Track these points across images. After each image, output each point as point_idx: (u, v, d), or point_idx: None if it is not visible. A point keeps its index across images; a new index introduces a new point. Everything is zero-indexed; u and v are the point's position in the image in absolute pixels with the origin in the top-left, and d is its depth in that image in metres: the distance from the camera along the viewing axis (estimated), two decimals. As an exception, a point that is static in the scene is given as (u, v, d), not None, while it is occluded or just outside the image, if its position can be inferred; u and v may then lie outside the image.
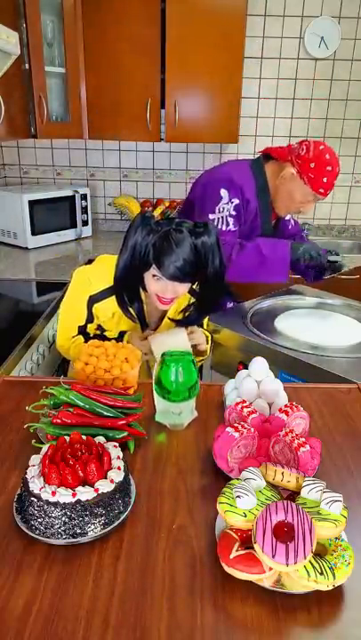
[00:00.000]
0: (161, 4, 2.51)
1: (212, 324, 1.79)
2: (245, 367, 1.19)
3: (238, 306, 1.95)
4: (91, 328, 1.46)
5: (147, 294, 1.38)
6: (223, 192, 1.84)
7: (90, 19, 2.55)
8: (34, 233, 2.57)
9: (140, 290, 1.37)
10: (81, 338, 1.45)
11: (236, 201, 1.84)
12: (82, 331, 1.46)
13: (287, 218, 2.11)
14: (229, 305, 2.08)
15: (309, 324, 1.80)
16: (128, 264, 1.29)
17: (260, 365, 1.14)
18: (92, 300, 1.41)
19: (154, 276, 1.29)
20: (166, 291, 1.30)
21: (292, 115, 3.09)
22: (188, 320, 1.44)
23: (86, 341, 1.39)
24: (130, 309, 1.39)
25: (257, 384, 1.11)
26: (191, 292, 1.40)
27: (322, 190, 1.78)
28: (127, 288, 1.36)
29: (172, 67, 2.61)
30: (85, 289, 1.42)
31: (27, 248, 2.58)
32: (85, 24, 2.56)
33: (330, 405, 1.21)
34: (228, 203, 1.85)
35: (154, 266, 1.26)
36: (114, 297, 1.39)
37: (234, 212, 1.85)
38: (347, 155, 3.18)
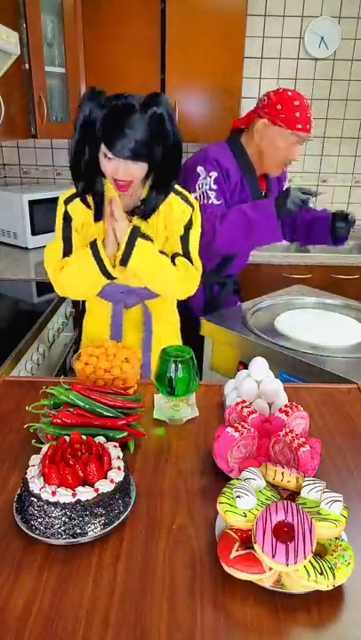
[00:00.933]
0: (161, 4, 2.51)
1: (213, 324, 1.80)
2: (245, 367, 1.19)
3: (238, 306, 1.95)
4: (75, 229, 1.40)
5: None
6: (200, 169, 1.83)
7: (90, 19, 2.55)
8: (34, 233, 2.57)
9: (101, 179, 1.32)
10: (82, 255, 1.37)
11: (214, 174, 1.81)
12: (66, 235, 1.40)
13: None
14: (239, 304, 2.05)
15: (309, 323, 1.80)
16: (79, 145, 1.24)
17: (260, 365, 1.14)
18: (66, 202, 1.38)
19: (105, 155, 1.22)
20: (118, 171, 1.23)
21: (292, 115, 3.08)
22: (147, 206, 1.35)
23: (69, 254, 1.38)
24: (88, 198, 1.34)
25: (257, 384, 1.11)
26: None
27: (300, 126, 1.72)
28: (82, 173, 1.29)
29: (172, 67, 2.61)
30: (61, 198, 1.40)
31: (27, 248, 2.58)
32: (85, 24, 2.56)
33: (330, 405, 1.21)
34: (205, 177, 1.83)
35: (104, 145, 1.21)
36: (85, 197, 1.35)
37: (214, 186, 1.81)
38: (347, 155, 3.18)
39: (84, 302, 1.65)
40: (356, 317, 1.86)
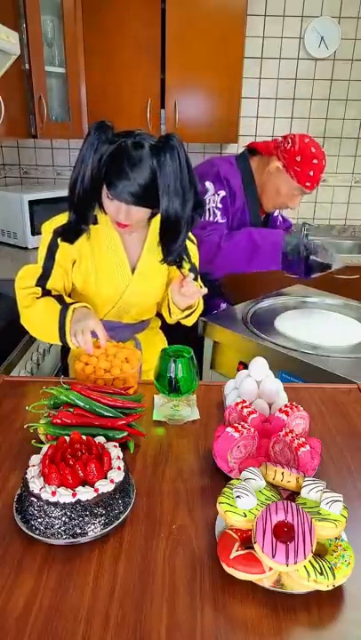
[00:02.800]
0: (161, 4, 2.51)
1: (213, 324, 1.79)
2: (245, 367, 1.19)
3: (238, 306, 1.94)
4: (58, 262, 1.30)
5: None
6: (208, 184, 1.83)
7: (90, 19, 2.55)
8: (34, 233, 2.57)
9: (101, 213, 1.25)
10: (38, 291, 1.29)
11: (223, 193, 1.82)
12: (48, 265, 1.30)
13: (275, 214, 2.09)
14: (223, 306, 2.06)
15: (309, 324, 1.80)
16: (80, 178, 1.14)
17: (260, 365, 1.14)
18: (56, 233, 1.28)
19: (108, 195, 1.15)
20: (119, 213, 1.16)
21: (292, 115, 3.09)
22: (169, 255, 1.28)
23: (44, 284, 1.29)
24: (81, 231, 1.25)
25: (257, 384, 1.11)
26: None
27: (308, 184, 1.76)
28: (79, 207, 1.20)
29: (172, 67, 2.61)
30: (51, 225, 1.30)
31: (27, 248, 2.58)
32: (85, 24, 2.56)
33: (330, 405, 1.21)
34: (214, 194, 1.83)
35: (105, 186, 1.13)
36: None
37: (220, 205, 1.83)
38: (347, 155, 3.18)
39: None
40: (357, 317, 1.86)
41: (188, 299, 1.26)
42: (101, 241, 1.30)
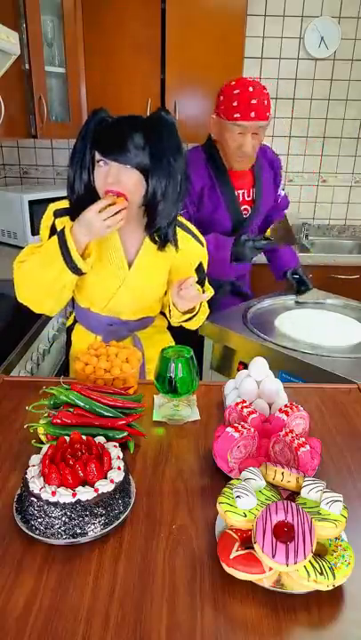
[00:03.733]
0: (161, 4, 2.51)
1: (213, 324, 1.79)
2: (245, 367, 1.19)
3: (238, 306, 1.94)
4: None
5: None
6: None
7: (90, 19, 2.55)
8: (34, 233, 2.57)
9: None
10: (48, 244, 1.23)
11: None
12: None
13: (280, 193, 1.99)
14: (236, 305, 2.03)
15: (309, 323, 1.80)
16: (77, 161, 1.16)
17: (260, 365, 1.14)
18: (56, 214, 1.26)
19: (98, 162, 1.14)
20: (108, 176, 1.12)
21: (292, 115, 3.09)
22: (157, 234, 1.25)
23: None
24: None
25: (257, 384, 1.11)
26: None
27: (237, 115, 1.63)
28: (77, 191, 1.19)
29: (172, 67, 2.61)
30: (52, 208, 1.29)
31: (27, 248, 2.58)
32: (85, 24, 2.56)
33: (330, 405, 1.21)
34: None
35: (97, 152, 1.13)
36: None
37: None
38: (347, 155, 3.18)
39: (68, 334, 1.54)
40: (357, 317, 1.86)
41: (187, 302, 1.25)
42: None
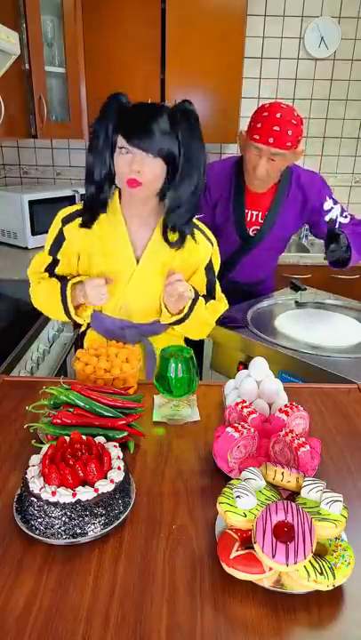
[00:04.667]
0: (161, 4, 2.51)
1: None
2: (245, 367, 1.19)
3: (238, 306, 1.94)
4: (64, 254, 1.31)
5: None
6: None
7: (90, 19, 2.55)
8: (34, 233, 2.57)
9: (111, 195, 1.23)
10: (46, 275, 1.33)
11: None
12: (53, 254, 1.32)
13: (328, 217, 1.80)
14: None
15: (309, 323, 1.80)
16: (99, 147, 1.13)
17: (260, 365, 1.14)
18: (64, 221, 1.27)
19: (120, 148, 1.11)
20: (133, 163, 1.10)
21: (292, 115, 3.08)
22: (170, 224, 1.23)
23: (51, 271, 1.32)
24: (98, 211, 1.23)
25: (257, 384, 1.11)
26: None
27: (256, 136, 1.61)
28: (95, 182, 1.18)
29: (172, 67, 2.61)
30: (60, 215, 1.30)
31: (27, 248, 2.58)
32: (85, 24, 2.56)
33: (330, 405, 1.21)
34: None
35: (120, 136, 1.10)
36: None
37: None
38: (347, 155, 3.18)
39: (79, 336, 1.58)
40: (357, 317, 1.86)
41: (173, 300, 1.26)
42: (107, 229, 1.27)
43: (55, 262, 1.33)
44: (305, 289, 2.09)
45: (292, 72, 3.00)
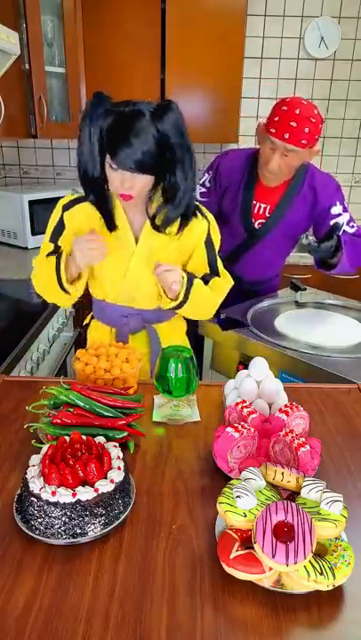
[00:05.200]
0: (161, 4, 2.51)
1: (213, 324, 1.79)
2: (245, 367, 1.19)
3: (238, 306, 1.94)
4: (64, 241, 1.32)
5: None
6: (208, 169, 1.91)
7: (90, 19, 2.55)
8: (34, 233, 2.57)
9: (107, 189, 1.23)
10: (51, 260, 1.30)
11: (208, 176, 1.86)
12: (54, 241, 1.33)
13: (333, 221, 1.76)
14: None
15: (309, 323, 1.80)
16: (84, 152, 1.16)
17: (260, 365, 1.14)
18: (64, 208, 1.30)
19: (110, 165, 1.14)
20: (124, 182, 1.14)
21: (292, 115, 3.08)
22: (158, 219, 1.25)
23: (56, 253, 1.30)
24: (102, 207, 1.25)
25: (257, 384, 1.11)
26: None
27: (273, 130, 1.60)
28: (90, 183, 1.22)
29: (172, 67, 2.61)
30: (61, 202, 1.33)
31: (27, 248, 2.58)
32: (85, 24, 2.56)
33: (330, 405, 1.21)
34: (204, 175, 1.90)
35: (108, 156, 1.12)
36: (85, 203, 1.27)
37: (208, 184, 1.87)
38: (347, 155, 3.18)
39: (83, 329, 1.57)
40: (357, 317, 1.86)
41: (159, 277, 1.27)
42: (114, 217, 1.29)
43: (56, 249, 1.32)
44: (305, 289, 2.09)
45: (292, 72, 3.00)
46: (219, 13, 2.55)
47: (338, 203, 1.82)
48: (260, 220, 1.86)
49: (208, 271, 1.37)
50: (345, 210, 1.81)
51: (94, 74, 2.64)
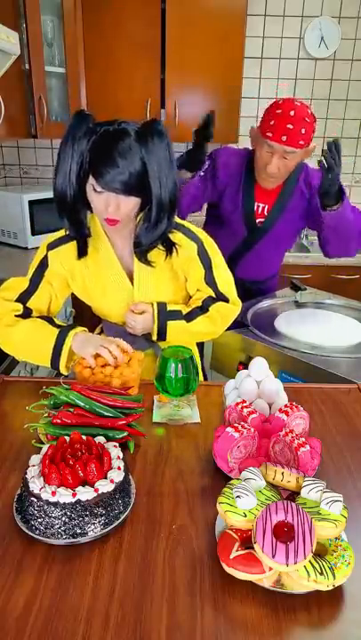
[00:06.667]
0: (161, 4, 2.51)
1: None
2: (245, 367, 1.19)
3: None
4: (47, 279, 1.26)
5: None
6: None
7: (90, 19, 2.55)
8: (34, 233, 2.57)
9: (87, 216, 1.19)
10: (19, 308, 1.24)
11: (207, 165, 1.82)
12: (35, 280, 1.27)
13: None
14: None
15: (309, 323, 1.80)
16: (63, 175, 1.08)
17: (260, 365, 1.13)
18: (50, 246, 1.25)
19: (94, 189, 1.08)
20: (109, 205, 1.09)
21: (292, 115, 3.09)
22: (138, 242, 1.19)
23: (25, 299, 1.24)
24: (79, 231, 1.19)
25: (257, 384, 1.11)
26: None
27: (269, 133, 1.61)
28: (67, 208, 1.14)
29: (172, 67, 2.61)
30: (46, 242, 1.27)
31: (27, 248, 2.58)
32: (85, 24, 2.56)
33: (330, 405, 1.21)
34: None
35: (91, 177, 1.07)
36: (71, 244, 1.22)
37: (203, 173, 1.81)
38: (347, 155, 3.18)
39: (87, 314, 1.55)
40: (357, 317, 1.86)
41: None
42: (93, 255, 1.25)
43: (32, 290, 1.27)
44: (305, 289, 2.09)
45: (292, 72, 3.00)
46: (219, 13, 2.55)
47: None
48: (259, 220, 1.88)
49: (210, 291, 1.32)
50: None
51: (94, 74, 2.64)
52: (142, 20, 2.55)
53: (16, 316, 1.24)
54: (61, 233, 1.25)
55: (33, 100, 2.39)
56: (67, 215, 1.17)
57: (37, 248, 1.31)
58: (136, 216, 1.20)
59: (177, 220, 1.24)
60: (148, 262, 1.23)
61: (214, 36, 2.57)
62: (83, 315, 1.71)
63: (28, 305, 1.26)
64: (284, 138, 1.60)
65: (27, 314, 1.26)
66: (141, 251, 1.21)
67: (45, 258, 1.26)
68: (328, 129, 3.12)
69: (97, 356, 1.19)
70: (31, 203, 2.54)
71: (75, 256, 1.24)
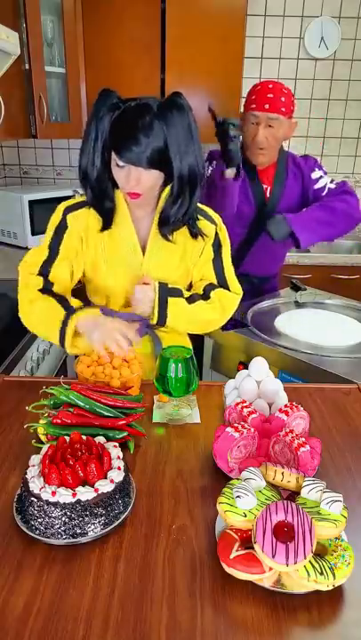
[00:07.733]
0: (161, 4, 2.50)
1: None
2: (245, 367, 1.19)
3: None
4: (65, 246, 1.26)
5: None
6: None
7: (90, 19, 2.55)
8: (34, 233, 2.57)
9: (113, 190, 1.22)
10: (40, 282, 1.25)
11: (212, 167, 1.89)
12: (54, 245, 1.27)
13: (318, 185, 1.94)
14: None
15: (309, 323, 1.80)
16: (87, 149, 1.13)
17: (260, 365, 1.14)
18: (67, 210, 1.26)
19: (117, 164, 1.12)
20: (130, 179, 1.12)
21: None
22: (165, 220, 1.22)
23: (46, 271, 1.25)
24: (104, 206, 1.22)
25: (257, 384, 1.11)
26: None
27: (253, 105, 1.78)
28: (93, 182, 1.18)
29: (172, 67, 2.61)
30: (62, 205, 1.28)
31: (27, 248, 2.58)
32: (85, 24, 2.55)
33: (330, 405, 1.21)
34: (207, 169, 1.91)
35: (114, 153, 1.10)
36: (90, 210, 1.24)
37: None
38: (347, 155, 3.18)
39: None
40: (357, 317, 1.86)
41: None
42: (113, 217, 1.25)
43: (53, 257, 1.26)
44: (305, 289, 2.09)
45: (292, 72, 3.00)
46: (219, 13, 2.54)
47: (316, 169, 1.98)
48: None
49: (214, 277, 1.33)
50: (325, 173, 1.99)
51: (94, 74, 2.64)
52: (142, 19, 2.54)
53: (38, 290, 1.24)
54: (78, 199, 1.27)
55: (33, 100, 2.39)
56: (92, 190, 1.20)
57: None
58: (161, 193, 1.22)
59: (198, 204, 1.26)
60: (167, 237, 1.25)
61: (214, 36, 2.57)
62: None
63: (49, 277, 1.27)
64: (266, 106, 1.76)
65: (47, 288, 1.25)
66: (167, 228, 1.23)
67: (64, 220, 1.26)
68: (328, 129, 3.12)
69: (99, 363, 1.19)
70: (31, 203, 2.54)
71: (91, 222, 1.25)
